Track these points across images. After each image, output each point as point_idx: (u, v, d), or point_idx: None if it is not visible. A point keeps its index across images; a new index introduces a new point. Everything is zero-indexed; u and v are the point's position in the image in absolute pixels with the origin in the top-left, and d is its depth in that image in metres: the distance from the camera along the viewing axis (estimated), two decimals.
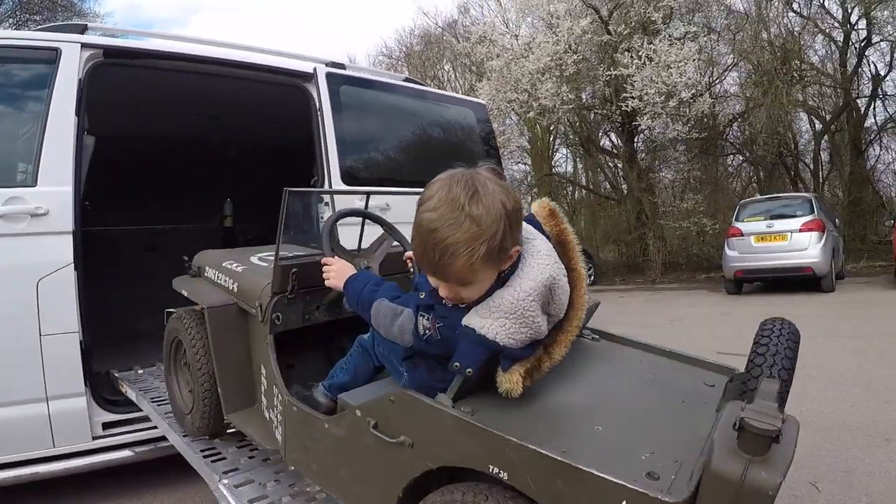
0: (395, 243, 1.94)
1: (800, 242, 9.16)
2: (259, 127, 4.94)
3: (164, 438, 2.65)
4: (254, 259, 2.22)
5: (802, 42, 14.91)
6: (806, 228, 9.19)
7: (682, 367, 1.58)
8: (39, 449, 2.59)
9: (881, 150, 16.69)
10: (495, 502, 1.13)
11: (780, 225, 9.50)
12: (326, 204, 3.29)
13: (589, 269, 9.94)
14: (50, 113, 2.65)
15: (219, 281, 2.13)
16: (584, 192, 19.84)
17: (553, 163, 20.02)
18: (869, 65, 15.37)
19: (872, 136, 16.13)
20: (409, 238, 1.98)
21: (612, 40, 12.99)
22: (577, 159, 20.39)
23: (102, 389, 2.83)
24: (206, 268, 2.28)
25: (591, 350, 1.65)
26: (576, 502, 1.02)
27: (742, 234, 9.76)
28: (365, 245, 1.94)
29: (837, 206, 15.05)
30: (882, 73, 15.27)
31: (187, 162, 5.35)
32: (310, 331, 1.93)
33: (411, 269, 1.92)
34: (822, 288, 9.21)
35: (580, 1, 13.05)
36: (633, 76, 12.29)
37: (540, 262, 1.21)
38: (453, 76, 21.77)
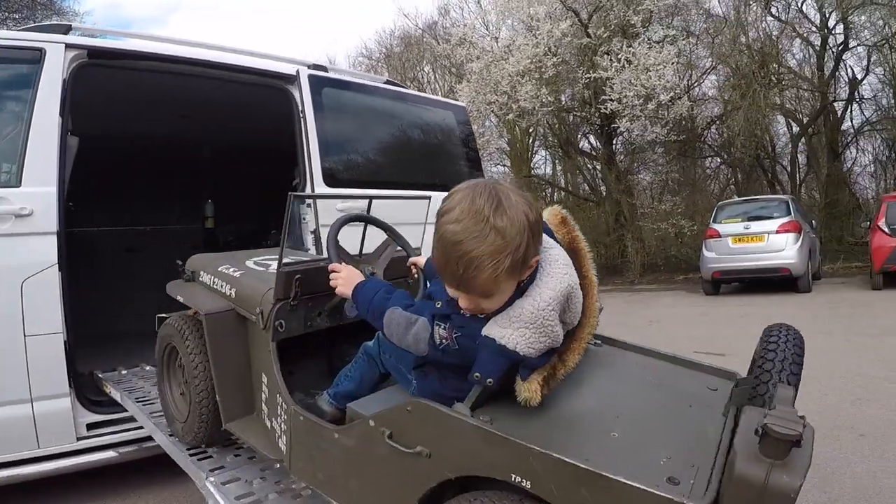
0: (399, 248, 1.93)
1: (777, 244, 9.32)
2: (241, 128, 4.94)
3: (148, 439, 2.69)
4: (250, 263, 2.19)
5: (780, 46, 15.11)
6: (783, 230, 9.35)
7: (683, 371, 1.60)
8: (24, 450, 2.59)
9: (857, 152, 16.98)
10: None
11: (757, 226, 9.65)
12: (309, 205, 3.28)
13: None
14: (34, 113, 2.64)
15: (215, 286, 2.10)
16: (562, 193, 19.93)
17: (532, 165, 20.07)
18: (846, 69, 15.65)
19: (849, 138, 16.38)
20: (412, 243, 2.00)
21: (591, 43, 13.07)
22: (557, 161, 20.48)
23: (86, 390, 2.84)
24: (201, 272, 2.23)
25: (594, 355, 1.65)
26: None
27: (720, 236, 9.91)
28: (367, 249, 1.92)
29: (814, 207, 15.30)
30: (859, 76, 15.58)
31: (169, 163, 5.35)
32: (309, 337, 1.90)
33: (415, 275, 1.91)
34: (798, 288, 9.38)
35: (560, 4, 13.11)
36: (612, 79, 12.37)
37: (558, 271, 1.21)
38: (433, 78, 21.72)
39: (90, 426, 2.76)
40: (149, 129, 4.83)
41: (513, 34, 14.21)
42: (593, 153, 17.13)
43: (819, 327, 6.29)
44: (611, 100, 12.53)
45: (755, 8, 14.63)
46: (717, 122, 15.66)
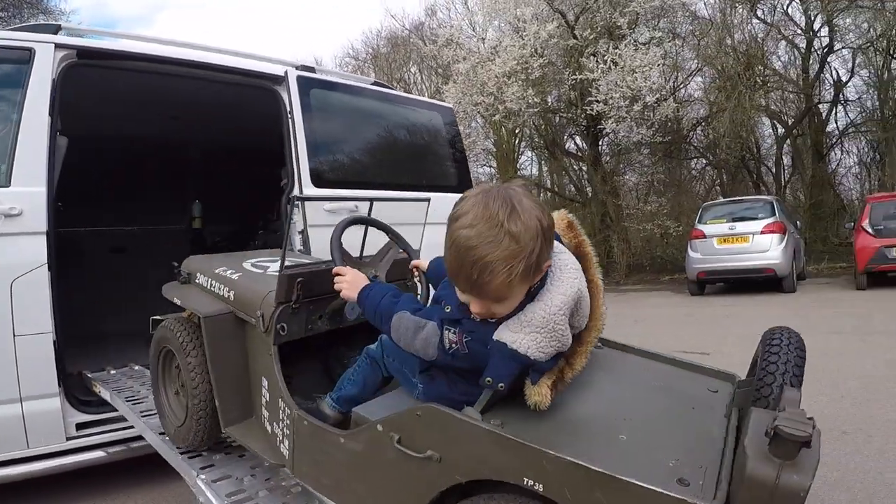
0: (401, 251, 1.92)
1: (761, 244, 9.43)
2: (229, 129, 4.93)
3: (137, 439, 2.71)
4: (247, 265, 2.17)
5: (766, 48, 15.23)
6: (767, 230, 9.47)
7: (683, 373, 1.62)
8: (13, 450, 2.59)
9: (842, 154, 17.19)
10: None
11: (742, 227, 9.75)
12: (297, 206, 3.28)
13: None
14: (24, 113, 2.64)
15: (212, 288, 2.07)
16: (548, 194, 20.00)
17: (518, 166, 20.11)
18: (831, 71, 15.82)
19: (834, 140, 16.57)
20: (413, 245, 2.00)
21: (577, 45, 13.14)
22: (543, 162, 20.54)
23: (76, 390, 2.84)
24: (198, 274, 2.21)
25: (595, 358, 1.66)
26: None
27: (705, 236, 10.00)
28: (367, 252, 1.91)
29: (799, 208, 15.44)
30: (844, 78, 15.80)
31: (157, 163, 5.35)
32: (306, 340, 1.89)
33: (416, 279, 1.91)
34: (783, 288, 9.50)
35: (547, 5, 13.18)
36: (598, 80, 12.45)
37: (569, 276, 1.22)
38: (420, 78, 21.72)
39: (79, 426, 2.77)
40: (137, 130, 4.81)
41: (499, 35, 14.26)
42: (579, 154, 17.21)
43: (803, 326, 6.30)
44: (597, 101, 12.61)
45: (741, 10, 14.76)
46: (703, 124, 15.77)
